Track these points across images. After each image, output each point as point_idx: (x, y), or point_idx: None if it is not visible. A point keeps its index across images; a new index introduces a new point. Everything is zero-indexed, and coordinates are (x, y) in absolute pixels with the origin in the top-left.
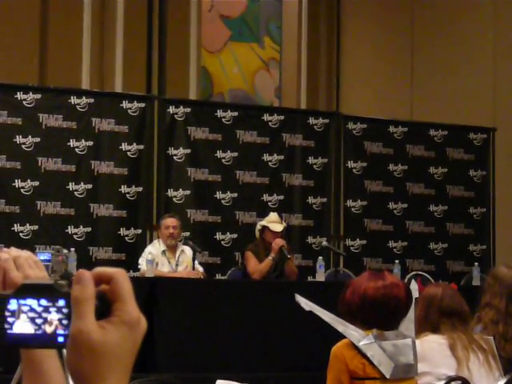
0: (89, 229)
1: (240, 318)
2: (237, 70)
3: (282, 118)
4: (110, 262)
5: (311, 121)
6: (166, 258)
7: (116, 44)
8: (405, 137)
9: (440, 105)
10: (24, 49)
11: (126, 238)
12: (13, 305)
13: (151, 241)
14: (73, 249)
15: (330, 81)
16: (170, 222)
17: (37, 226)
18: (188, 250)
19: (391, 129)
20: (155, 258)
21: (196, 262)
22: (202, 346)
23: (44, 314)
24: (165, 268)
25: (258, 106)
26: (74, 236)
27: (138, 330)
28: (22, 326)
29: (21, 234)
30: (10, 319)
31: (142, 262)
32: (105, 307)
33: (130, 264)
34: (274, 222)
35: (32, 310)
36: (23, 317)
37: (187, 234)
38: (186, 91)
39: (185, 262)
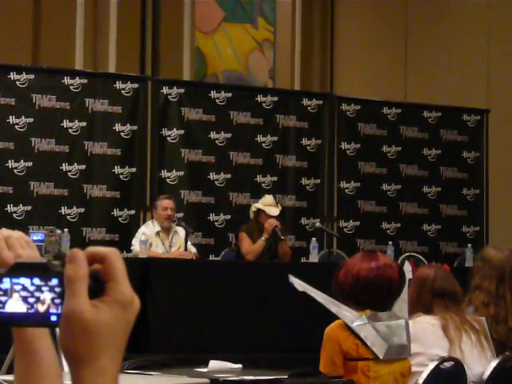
0: (82, 209)
1: (233, 299)
2: (230, 50)
3: (275, 99)
4: (103, 242)
5: (305, 102)
6: (159, 239)
7: (110, 24)
8: (398, 118)
9: (434, 86)
10: (17, 29)
11: (120, 219)
12: (5, 283)
13: (144, 222)
14: (66, 229)
15: (324, 62)
16: (168, 203)
17: (30, 207)
18: (181, 231)
19: (385, 110)
20: (149, 239)
21: (189, 242)
22: (195, 327)
23: (36, 293)
24: (159, 249)
25: (251, 87)
26: (68, 217)
27: (132, 310)
28: (14, 305)
29: (14, 215)
30: (2, 298)
31: (136, 243)
32: (98, 286)
33: (124, 245)
34: (269, 205)
35: (25, 288)
36: (15, 296)
37: (181, 215)
38: (179, 72)
39: (178, 243)
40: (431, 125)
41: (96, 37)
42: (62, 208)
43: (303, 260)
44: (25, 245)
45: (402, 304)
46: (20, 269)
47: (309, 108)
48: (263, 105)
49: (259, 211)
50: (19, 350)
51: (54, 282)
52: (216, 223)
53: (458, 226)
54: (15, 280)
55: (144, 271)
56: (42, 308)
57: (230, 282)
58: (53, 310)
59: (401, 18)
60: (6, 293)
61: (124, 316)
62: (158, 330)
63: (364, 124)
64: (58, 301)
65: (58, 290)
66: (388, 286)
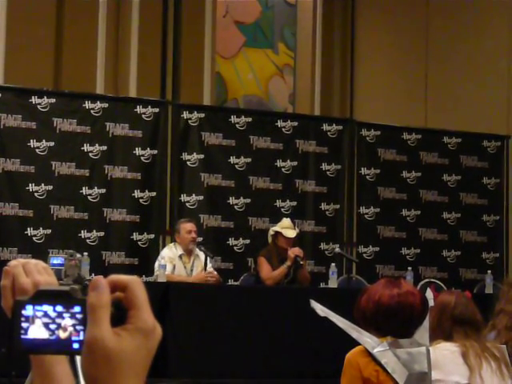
0: (102, 233)
1: (252, 324)
2: (251, 75)
3: (295, 124)
4: (123, 266)
5: (325, 127)
6: (182, 262)
7: (131, 49)
8: (418, 144)
9: (454, 112)
10: (39, 53)
11: (139, 243)
12: (28, 311)
13: (164, 246)
14: (86, 253)
15: (344, 87)
16: (191, 226)
17: (50, 230)
18: (202, 255)
19: (405, 136)
20: (173, 261)
21: (210, 266)
22: (214, 352)
23: (58, 320)
24: (181, 272)
25: (271, 112)
26: (87, 240)
27: (153, 338)
28: (36, 332)
29: (34, 238)
30: (24, 324)
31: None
32: (120, 314)
33: (143, 269)
34: (286, 227)
35: (46, 315)
36: (38, 322)
37: (200, 239)
38: (200, 96)
39: (199, 267)
40: (451, 151)
41: (117, 61)
42: (82, 232)
43: (322, 285)
44: (42, 271)
45: (423, 332)
46: (43, 296)
47: (329, 133)
48: (283, 130)
49: (276, 234)
50: (38, 374)
51: (77, 309)
52: (235, 248)
53: (477, 252)
54: (38, 307)
55: (163, 295)
56: (63, 335)
57: (250, 306)
58: (75, 338)
59: (421, 43)
60: (28, 319)
61: (146, 344)
62: (177, 354)
63: (384, 149)
64: (79, 327)
65: (79, 316)
66: (409, 314)
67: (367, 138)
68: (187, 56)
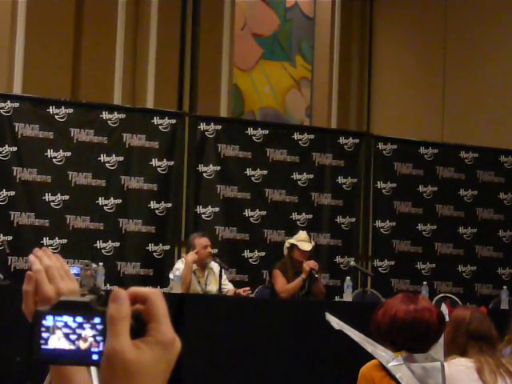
0: (117, 244)
1: (267, 336)
2: (268, 88)
3: (312, 137)
4: (138, 277)
5: (341, 140)
6: (196, 277)
7: (148, 60)
8: (435, 158)
9: (471, 127)
10: (57, 63)
11: (154, 254)
12: (49, 321)
13: (179, 257)
14: (101, 263)
15: (361, 101)
16: (206, 241)
17: (66, 240)
18: (216, 268)
19: (421, 150)
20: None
21: (225, 278)
22: (228, 364)
23: (78, 330)
24: (196, 287)
25: (288, 124)
26: (103, 251)
27: (172, 351)
28: (56, 342)
29: (50, 248)
30: (44, 334)
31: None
32: (140, 327)
33: (158, 280)
34: (303, 240)
35: (66, 325)
36: (58, 333)
37: (215, 251)
38: (217, 108)
39: (213, 281)
40: (468, 165)
41: (135, 72)
42: (98, 242)
43: (337, 298)
44: (64, 276)
45: (438, 347)
46: (63, 307)
47: (345, 146)
48: (300, 142)
49: (292, 247)
50: (57, 380)
51: (97, 320)
52: (250, 260)
53: (493, 267)
54: (58, 318)
55: (178, 306)
56: (83, 345)
57: (264, 319)
58: (94, 349)
59: (439, 57)
60: (48, 330)
61: (165, 357)
62: (190, 365)
63: (400, 163)
64: (99, 338)
65: (99, 327)
66: (424, 330)
67: (384, 152)
68: (204, 68)
